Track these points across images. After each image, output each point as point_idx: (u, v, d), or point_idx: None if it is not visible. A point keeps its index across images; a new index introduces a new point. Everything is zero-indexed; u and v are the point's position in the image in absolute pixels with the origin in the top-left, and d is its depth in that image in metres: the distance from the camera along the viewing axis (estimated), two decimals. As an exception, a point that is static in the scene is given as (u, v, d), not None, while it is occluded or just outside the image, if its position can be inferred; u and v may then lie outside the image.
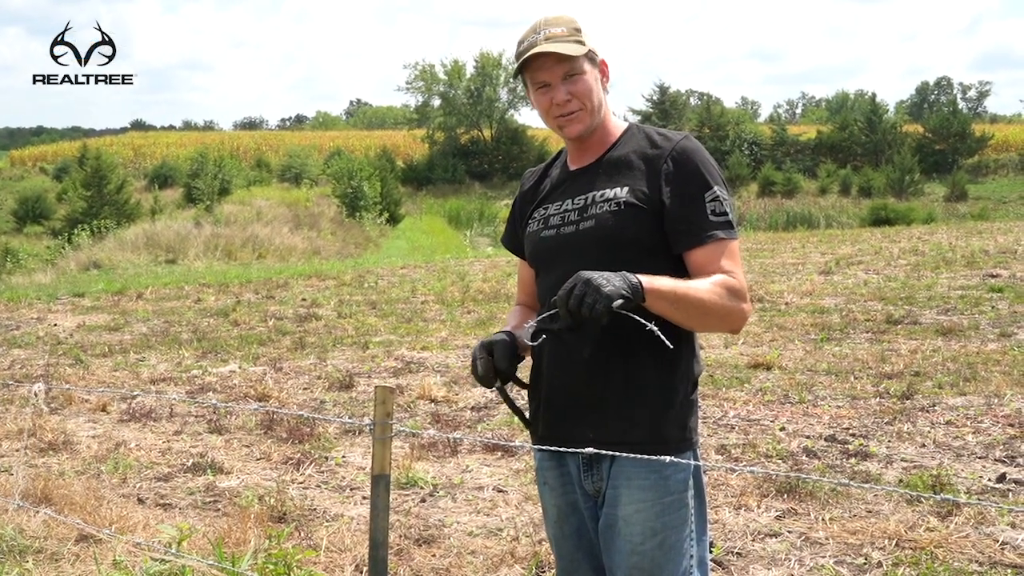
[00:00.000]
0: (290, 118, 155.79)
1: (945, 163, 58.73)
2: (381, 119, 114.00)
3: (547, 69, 2.48)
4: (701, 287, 2.35)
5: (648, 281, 2.29)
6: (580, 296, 2.21)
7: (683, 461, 2.42)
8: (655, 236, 2.44)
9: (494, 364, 2.48)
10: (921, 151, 58.70)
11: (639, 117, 67.44)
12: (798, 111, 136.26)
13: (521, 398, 2.73)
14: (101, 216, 34.61)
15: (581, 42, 2.49)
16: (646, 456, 2.37)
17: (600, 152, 2.59)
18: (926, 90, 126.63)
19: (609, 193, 2.50)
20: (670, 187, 2.45)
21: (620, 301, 2.19)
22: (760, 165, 58.31)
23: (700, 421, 6.72)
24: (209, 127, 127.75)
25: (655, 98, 67.48)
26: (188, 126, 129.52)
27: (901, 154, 55.64)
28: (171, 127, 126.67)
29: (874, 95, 70.22)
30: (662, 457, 2.34)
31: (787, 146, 63.24)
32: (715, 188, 2.44)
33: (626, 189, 2.48)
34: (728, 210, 2.45)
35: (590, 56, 2.51)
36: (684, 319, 2.37)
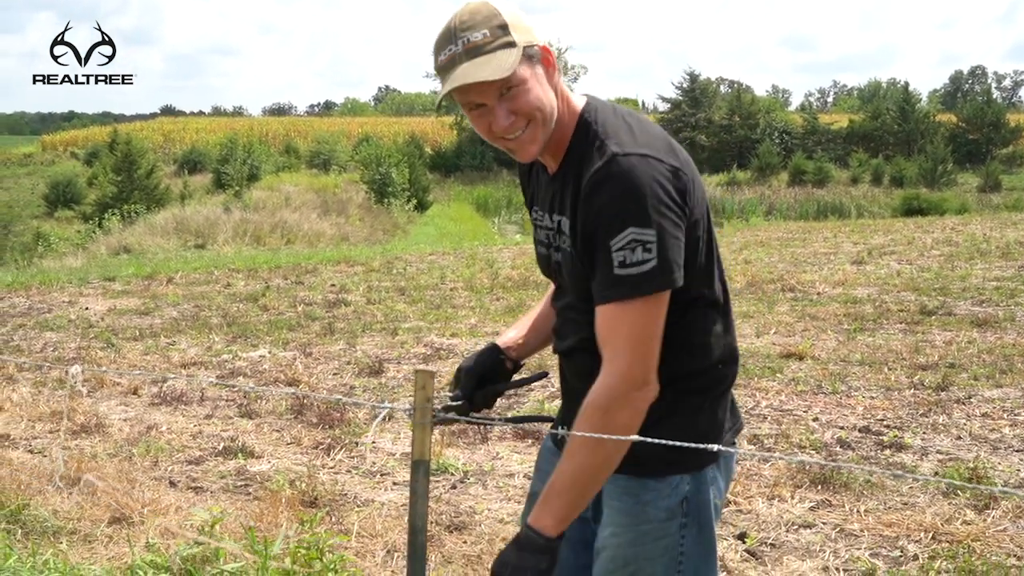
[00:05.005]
0: (319, 104, 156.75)
1: (979, 153, 58.18)
2: (410, 105, 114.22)
3: (476, 90, 2.06)
4: (571, 460, 2.08)
5: (545, 518, 2.09)
6: None
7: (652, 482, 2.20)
8: None
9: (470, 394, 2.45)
10: (954, 141, 58.20)
11: (668, 105, 67.18)
12: (829, 100, 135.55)
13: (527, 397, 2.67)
14: (131, 201, 34.81)
15: (510, 42, 2.03)
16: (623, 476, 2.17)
17: (560, 155, 2.21)
18: (960, 79, 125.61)
19: (563, 224, 2.19)
20: (583, 228, 2.10)
21: None
22: (791, 154, 57.95)
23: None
24: (238, 113, 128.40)
25: (685, 86, 67.08)
26: (217, 112, 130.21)
27: (934, 144, 55.07)
28: (200, 113, 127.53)
29: (907, 84, 70.11)
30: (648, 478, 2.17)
31: (818, 135, 62.83)
32: (629, 230, 2.00)
33: (568, 223, 2.16)
34: (647, 257, 2.00)
35: (527, 54, 2.06)
36: (609, 474, 2.11)
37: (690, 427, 2.19)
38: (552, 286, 2.53)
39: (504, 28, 2.03)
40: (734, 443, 2.36)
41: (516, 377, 2.59)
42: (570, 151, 2.17)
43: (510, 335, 2.61)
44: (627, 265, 2.00)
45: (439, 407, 2.35)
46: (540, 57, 2.09)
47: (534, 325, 2.62)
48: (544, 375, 2.59)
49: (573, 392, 2.32)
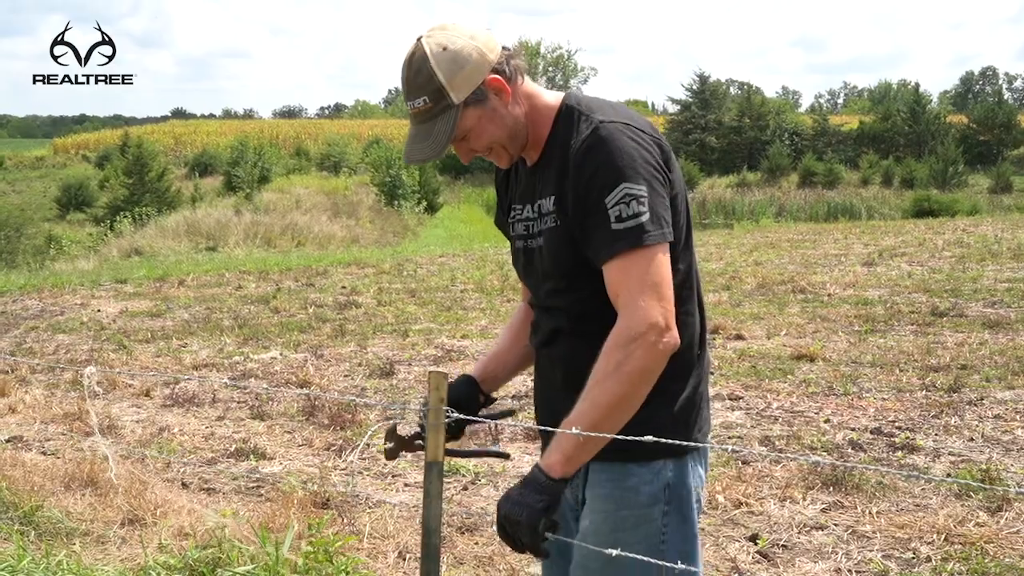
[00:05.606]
0: (329, 107, 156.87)
1: (990, 154, 58.00)
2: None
3: None
4: (597, 391, 2.06)
5: (555, 459, 2.09)
6: (512, 536, 2.12)
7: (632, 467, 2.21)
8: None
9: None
10: (965, 142, 57.97)
11: (678, 107, 67.08)
12: (840, 101, 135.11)
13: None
14: (142, 203, 34.97)
15: (447, 105, 2.14)
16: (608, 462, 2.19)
17: (540, 145, 2.28)
18: (971, 80, 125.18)
19: (545, 205, 2.24)
20: (574, 195, 2.15)
21: (544, 520, 2.07)
22: (801, 155, 57.87)
23: (744, 414, 6.67)
24: (249, 115, 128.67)
25: (695, 87, 66.97)
26: (228, 114, 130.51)
27: (945, 145, 54.94)
28: (211, 115, 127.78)
29: (918, 85, 69.96)
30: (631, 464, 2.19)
31: (828, 136, 62.74)
32: (622, 185, 2.07)
33: (552, 199, 2.21)
34: (641, 209, 2.06)
35: (471, 101, 2.15)
36: (623, 420, 2.10)
37: (669, 413, 2.23)
38: (514, 314, 2.68)
39: (440, 92, 2.12)
40: (707, 442, 2.38)
41: (485, 411, 2.67)
42: (552, 136, 2.24)
43: (483, 367, 2.67)
44: (624, 219, 2.06)
45: (393, 422, 2.42)
46: (488, 92, 2.16)
47: (500, 358, 2.68)
48: (511, 412, 2.73)
49: (551, 389, 2.39)
